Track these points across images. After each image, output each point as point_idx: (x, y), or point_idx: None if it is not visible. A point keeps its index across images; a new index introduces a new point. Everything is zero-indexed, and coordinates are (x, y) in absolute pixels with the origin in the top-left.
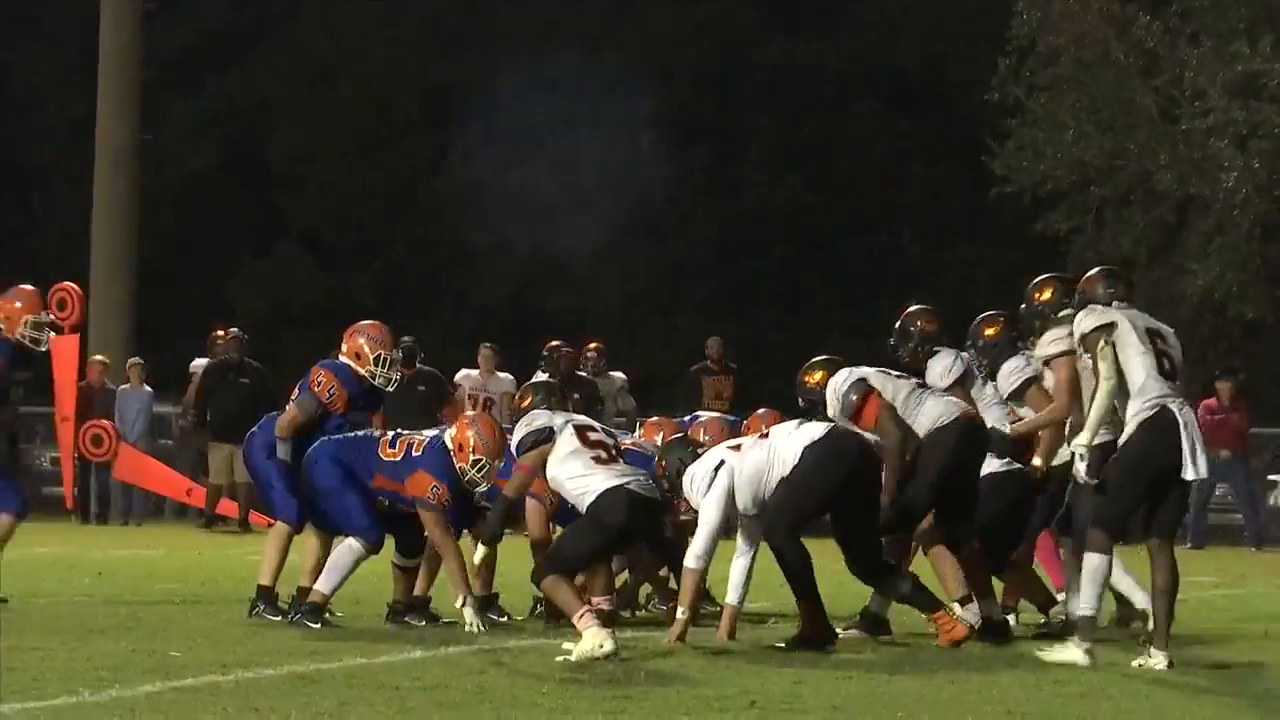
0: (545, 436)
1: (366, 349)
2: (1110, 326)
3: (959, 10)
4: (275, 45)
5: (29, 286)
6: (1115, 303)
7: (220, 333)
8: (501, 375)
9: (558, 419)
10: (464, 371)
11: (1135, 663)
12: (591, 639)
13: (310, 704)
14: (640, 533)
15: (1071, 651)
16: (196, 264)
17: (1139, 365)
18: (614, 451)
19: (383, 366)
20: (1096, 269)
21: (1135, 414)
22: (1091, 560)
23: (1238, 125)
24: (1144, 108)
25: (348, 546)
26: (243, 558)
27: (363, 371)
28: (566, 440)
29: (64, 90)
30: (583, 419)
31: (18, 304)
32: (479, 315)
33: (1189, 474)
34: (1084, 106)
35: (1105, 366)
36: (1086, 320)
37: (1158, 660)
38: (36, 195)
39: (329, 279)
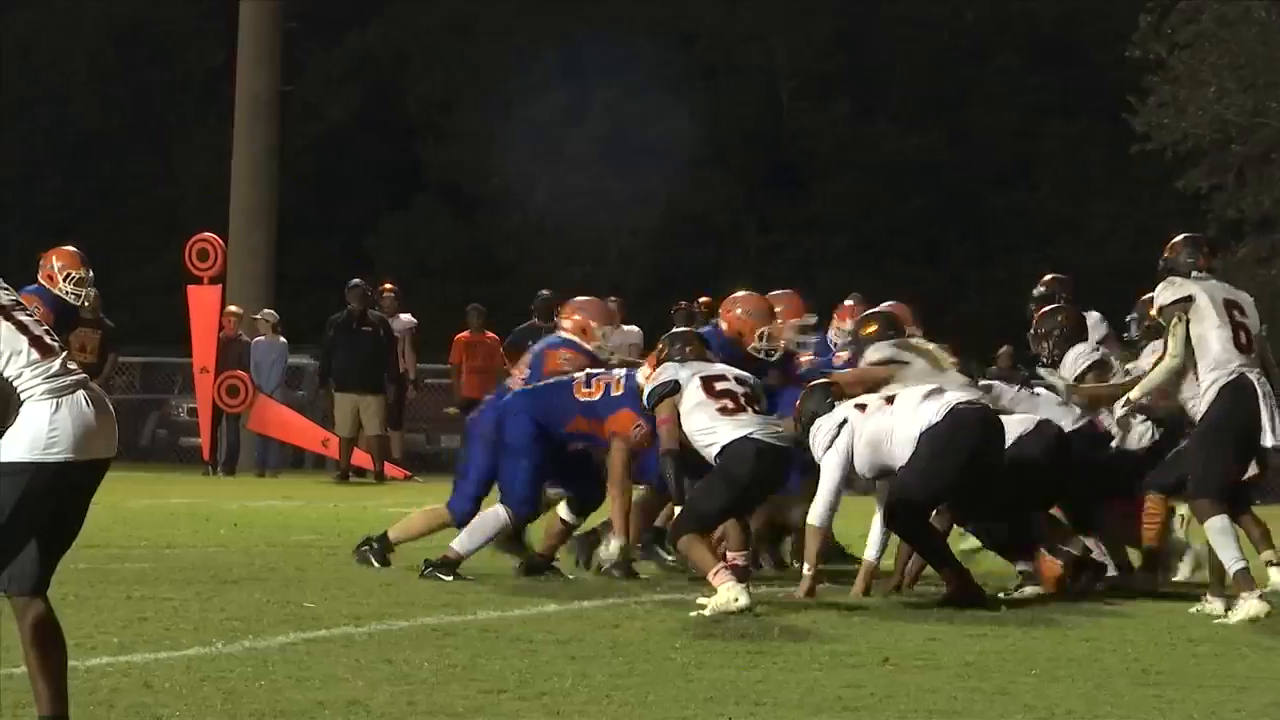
0: (671, 389)
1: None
2: (1188, 300)
3: None
4: None
5: (70, 247)
6: (1195, 273)
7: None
8: (628, 328)
9: (684, 371)
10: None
11: (1193, 609)
12: (726, 594)
13: (443, 656)
14: (769, 483)
15: (1249, 605)
16: (336, 216)
17: (1215, 338)
18: (744, 400)
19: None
20: (1181, 236)
21: (1214, 382)
22: (1212, 526)
23: None
24: None
25: (495, 513)
26: (378, 510)
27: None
28: (692, 392)
29: (202, 41)
30: (713, 368)
31: (57, 263)
32: (618, 267)
33: (1268, 440)
34: (1226, 64)
35: (1174, 344)
36: (1165, 293)
37: (1214, 606)
38: (175, 146)
39: (468, 231)
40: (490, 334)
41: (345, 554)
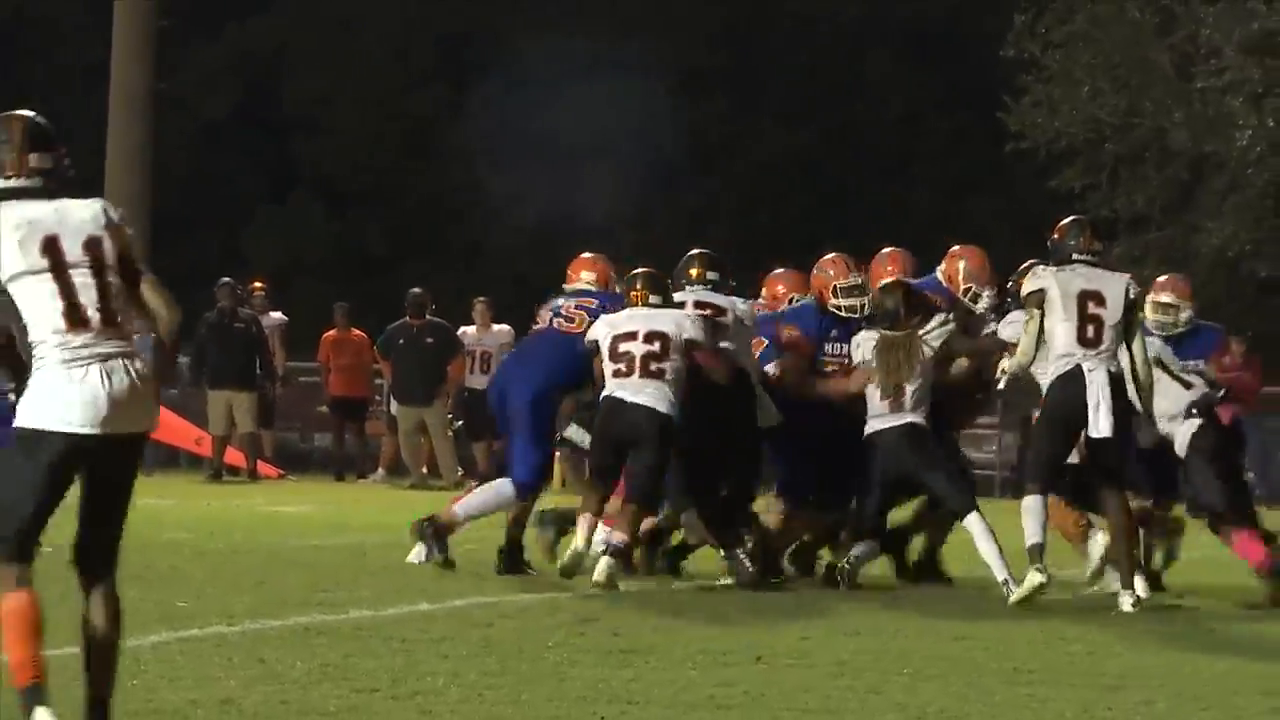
0: (594, 349)
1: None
2: (1041, 293)
3: None
4: None
5: None
6: (1076, 255)
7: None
8: (498, 328)
9: (603, 329)
10: (462, 329)
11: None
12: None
13: (316, 655)
14: (624, 443)
15: (1030, 578)
16: (211, 212)
17: (1060, 331)
18: (643, 361)
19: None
20: (1068, 220)
21: (1051, 373)
22: (1024, 503)
23: (1253, 83)
24: (1159, 65)
25: (497, 489)
26: (252, 508)
27: None
28: (604, 353)
29: (80, 36)
30: (628, 325)
31: None
32: (495, 263)
33: (1094, 430)
34: (1099, 63)
35: (1025, 339)
36: (1026, 284)
37: (1125, 600)
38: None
39: (343, 227)
40: (357, 331)
41: (218, 553)
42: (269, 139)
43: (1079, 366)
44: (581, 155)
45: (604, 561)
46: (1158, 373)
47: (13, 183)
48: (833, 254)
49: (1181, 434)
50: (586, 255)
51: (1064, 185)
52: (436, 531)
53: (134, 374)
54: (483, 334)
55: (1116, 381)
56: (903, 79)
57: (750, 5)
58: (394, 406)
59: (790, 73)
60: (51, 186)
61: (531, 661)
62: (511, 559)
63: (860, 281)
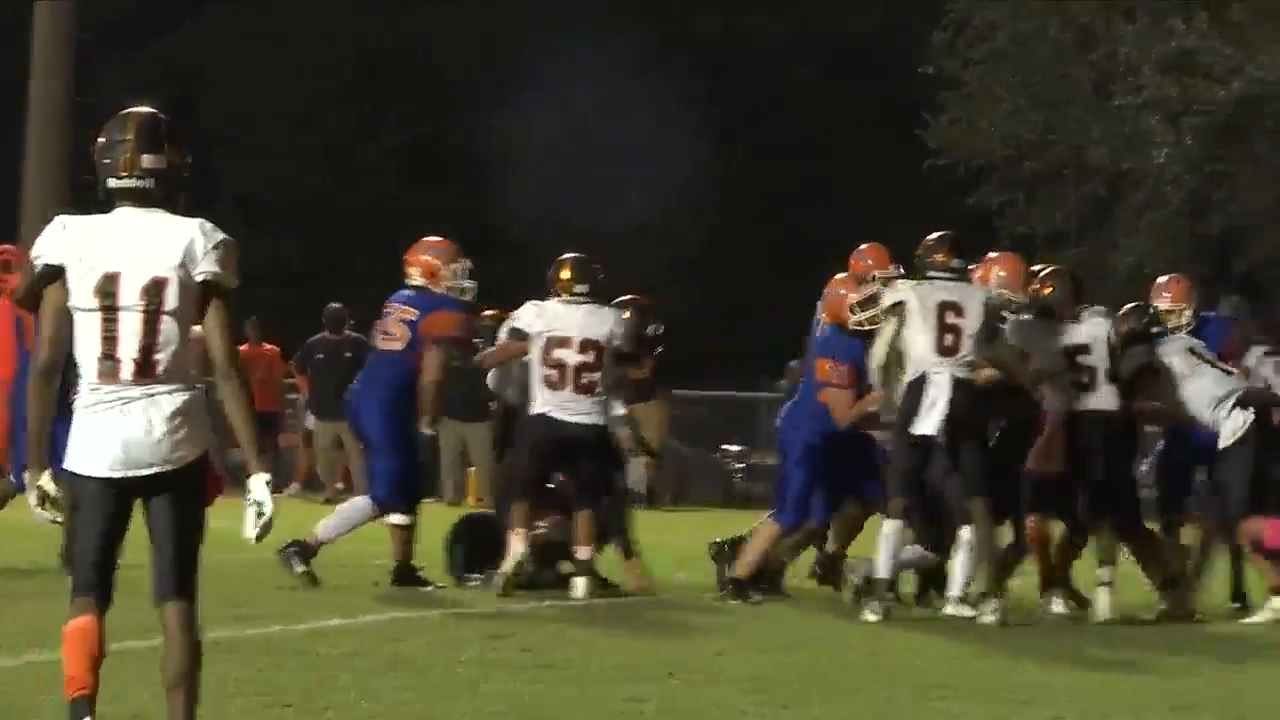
0: (519, 335)
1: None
2: (900, 305)
3: None
4: (214, 8)
5: None
6: (932, 271)
7: None
8: None
9: (539, 324)
10: None
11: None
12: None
13: (228, 669)
14: (553, 464)
15: (867, 612)
16: None
17: (919, 342)
18: (577, 372)
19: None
20: (932, 236)
21: (906, 383)
22: (884, 526)
23: (1171, 102)
24: (1078, 83)
25: (358, 506)
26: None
27: None
28: (535, 351)
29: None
30: (565, 329)
31: None
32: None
33: (918, 428)
34: (1019, 81)
35: (879, 343)
36: (885, 297)
37: (991, 611)
38: None
39: (262, 242)
40: (269, 345)
41: (130, 567)
42: (189, 153)
43: (925, 374)
44: (499, 171)
45: (581, 581)
46: (1197, 362)
47: (123, 183)
48: (840, 274)
49: (1229, 424)
50: (422, 242)
51: (982, 202)
52: (302, 550)
53: (155, 412)
54: None
55: (963, 386)
56: (824, 97)
57: (672, 24)
58: (310, 421)
59: (712, 91)
60: (159, 194)
61: (443, 676)
62: (403, 575)
63: (874, 292)
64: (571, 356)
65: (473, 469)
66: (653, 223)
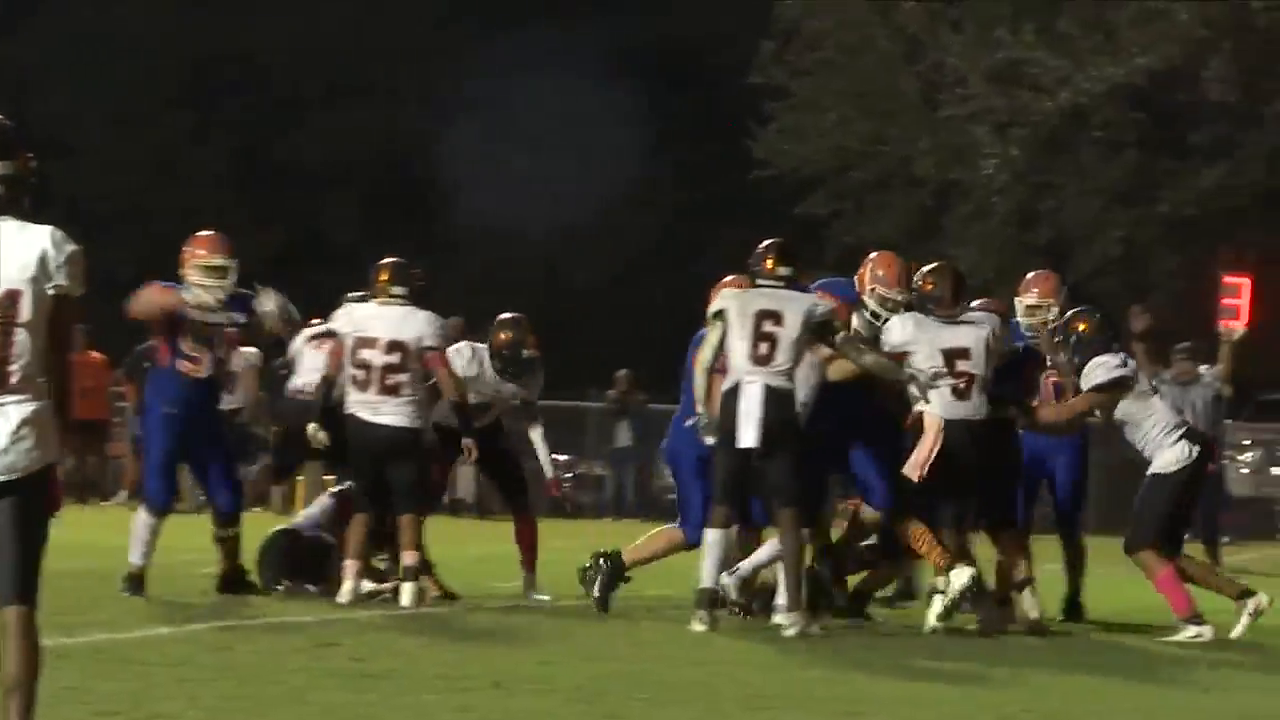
0: (331, 334)
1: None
2: (721, 314)
3: None
4: (41, 12)
5: None
6: (760, 280)
7: None
8: (244, 350)
9: (349, 323)
10: None
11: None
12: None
13: (55, 678)
14: (365, 458)
15: (694, 622)
16: None
17: (736, 350)
18: (380, 374)
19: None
20: (763, 244)
21: (722, 390)
22: (706, 536)
23: (997, 112)
24: (905, 93)
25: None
26: None
27: None
28: (347, 350)
29: None
30: (370, 330)
31: None
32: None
33: (741, 441)
34: (846, 91)
35: (705, 349)
36: (712, 303)
37: (793, 624)
38: None
39: (89, 249)
40: (95, 354)
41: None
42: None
43: (739, 382)
44: (324, 181)
45: (407, 587)
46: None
47: None
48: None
49: (1173, 453)
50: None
51: (810, 212)
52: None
53: (4, 422)
54: (234, 356)
55: (776, 395)
56: (651, 105)
57: (498, 31)
58: (138, 428)
59: (539, 98)
60: (7, 200)
61: (271, 685)
62: (229, 582)
63: (903, 298)
64: (377, 357)
65: (300, 478)
66: (466, 234)
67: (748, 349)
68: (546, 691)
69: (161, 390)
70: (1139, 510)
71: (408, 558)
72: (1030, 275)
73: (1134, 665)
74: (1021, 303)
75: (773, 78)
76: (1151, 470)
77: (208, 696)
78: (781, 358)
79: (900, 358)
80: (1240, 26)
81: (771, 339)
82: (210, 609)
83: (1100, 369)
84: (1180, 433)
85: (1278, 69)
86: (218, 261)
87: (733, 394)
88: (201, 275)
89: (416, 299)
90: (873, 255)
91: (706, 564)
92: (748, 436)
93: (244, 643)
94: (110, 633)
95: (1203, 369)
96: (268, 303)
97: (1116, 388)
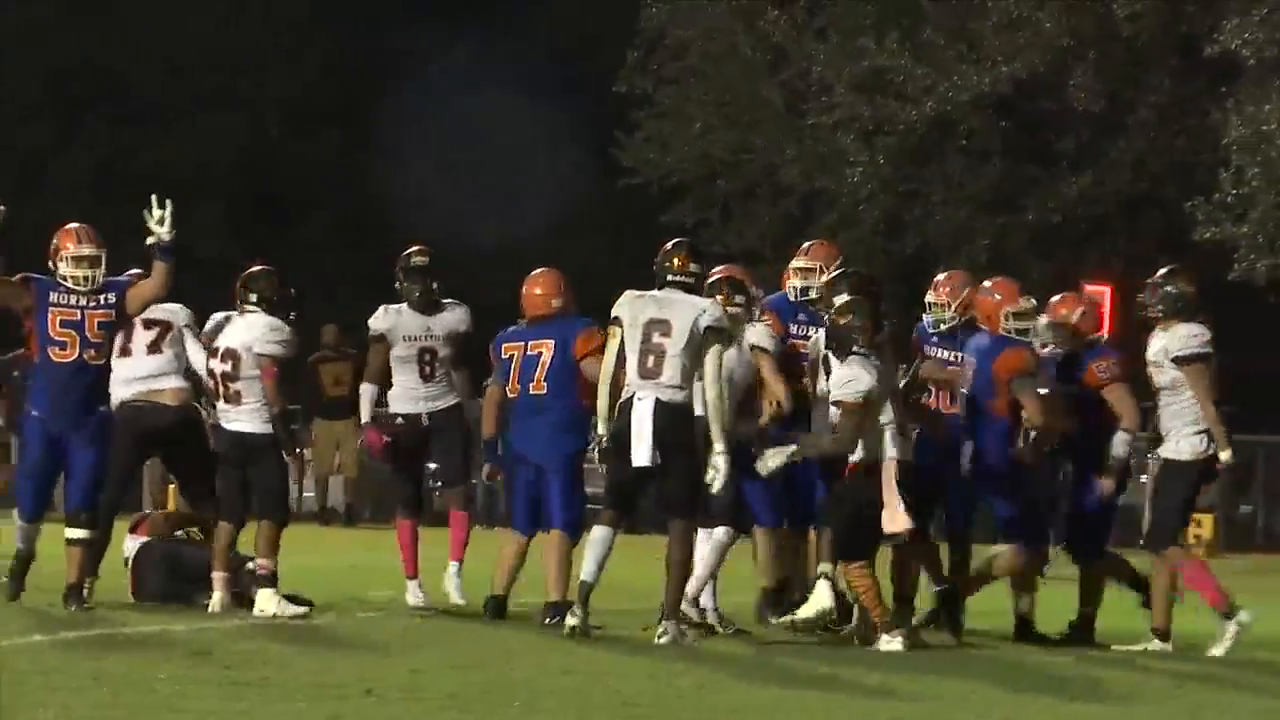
0: None
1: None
2: (617, 320)
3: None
4: None
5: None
6: (671, 276)
7: None
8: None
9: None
10: None
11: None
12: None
13: None
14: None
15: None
16: None
17: (629, 361)
18: (221, 380)
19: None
20: (675, 241)
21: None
22: (594, 531)
23: (863, 120)
24: (771, 102)
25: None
26: None
27: None
28: None
29: None
30: (223, 340)
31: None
32: None
33: (633, 459)
34: (711, 100)
35: (606, 358)
36: (614, 309)
37: (665, 632)
38: None
39: None
40: None
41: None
42: None
43: (632, 396)
44: (191, 191)
45: (263, 592)
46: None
47: None
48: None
49: (1191, 443)
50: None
51: (676, 221)
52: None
53: None
54: None
55: (668, 410)
56: (512, 115)
57: (354, 41)
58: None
59: (398, 110)
60: None
61: (143, 693)
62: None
63: (1030, 306)
64: (218, 366)
65: (173, 485)
66: (333, 242)
67: (636, 362)
68: (417, 699)
69: (36, 391)
70: (1162, 506)
71: (264, 565)
72: (940, 275)
73: (1023, 673)
74: (927, 299)
75: (638, 86)
76: (1165, 456)
77: (80, 705)
78: (668, 371)
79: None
80: (1104, 35)
81: (659, 352)
82: (85, 616)
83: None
84: (1203, 425)
85: (1141, 77)
86: (86, 251)
87: (627, 406)
88: (72, 267)
89: (269, 307)
90: (987, 283)
91: (588, 559)
92: (639, 455)
93: (116, 650)
94: None
95: None
96: None
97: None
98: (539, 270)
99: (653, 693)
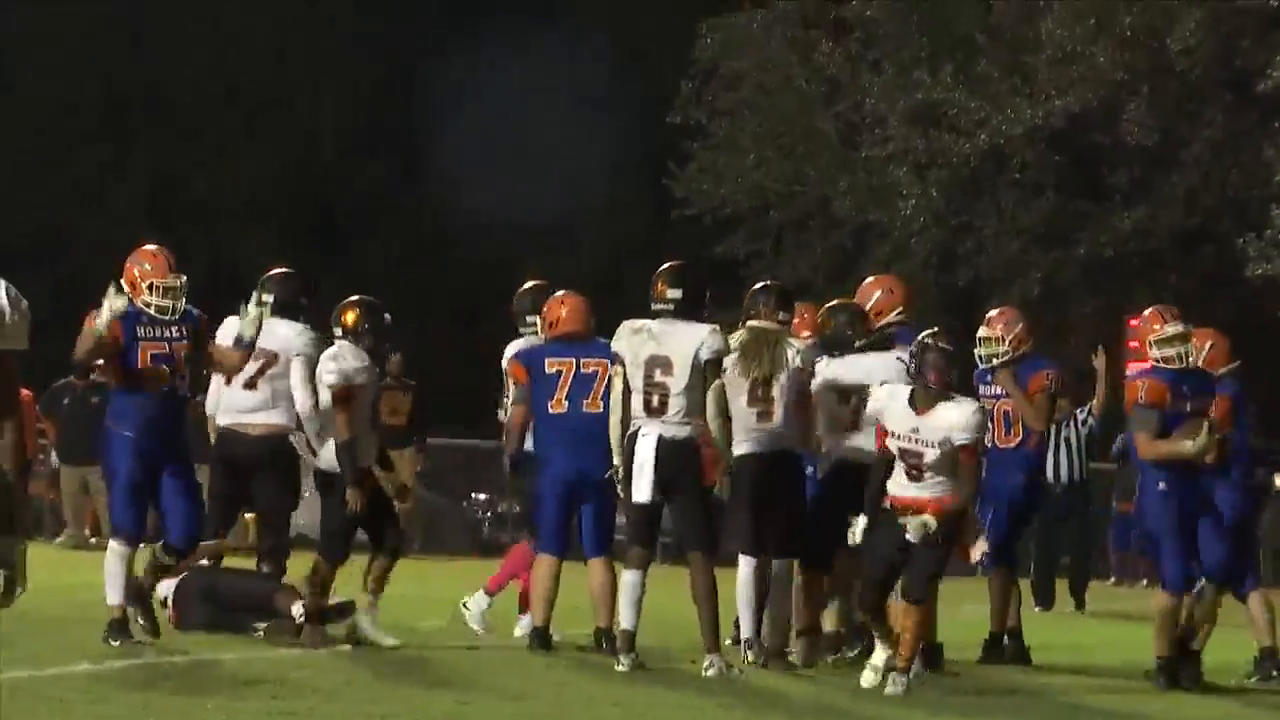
0: None
1: (137, 276)
2: (619, 359)
3: (643, 29)
4: None
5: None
6: (655, 304)
7: None
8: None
9: None
10: None
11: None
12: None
13: None
14: None
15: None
16: None
17: (633, 397)
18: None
19: (155, 295)
20: (663, 266)
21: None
22: (625, 576)
23: (916, 153)
24: (824, 134)
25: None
26: None
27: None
28: None
29: None
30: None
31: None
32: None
33: (634, 495)
34: (765, 131)
35: (612, 398)
36: (613, 343)
37: (711, 665)
38: None
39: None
40: (24, 391)
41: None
42: None
43: (637, 431)
44: (238, 216)
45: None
46: None
47: None
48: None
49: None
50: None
51: (728, 252)
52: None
53: None
54: None
55: (671, 445)
56: (565, 142)
57: (408, 70)
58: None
59: (455, 136)
60: None
61: None
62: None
63: (1177, 332)
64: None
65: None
66: (386, 269)
67: (641, 401)
68: None
69: (121, 413)
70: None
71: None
72: (993, 311)
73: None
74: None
75: (691, 117)
76: None
77: None
78: (674, 408)
79: None
80: (1158, 70)
81: (663, 390)
82: (133, 646)
83: None
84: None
85: (1195, 112)
86: (176, 281)
87: (633, 441)
88: (162, 296)
89: (288, 312)
90: (1146, 313)
91: (623, 605)
92: (640, 492)
93: (165, 680)
94: (30, 669)
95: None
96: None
97: None
98: (565, 291)
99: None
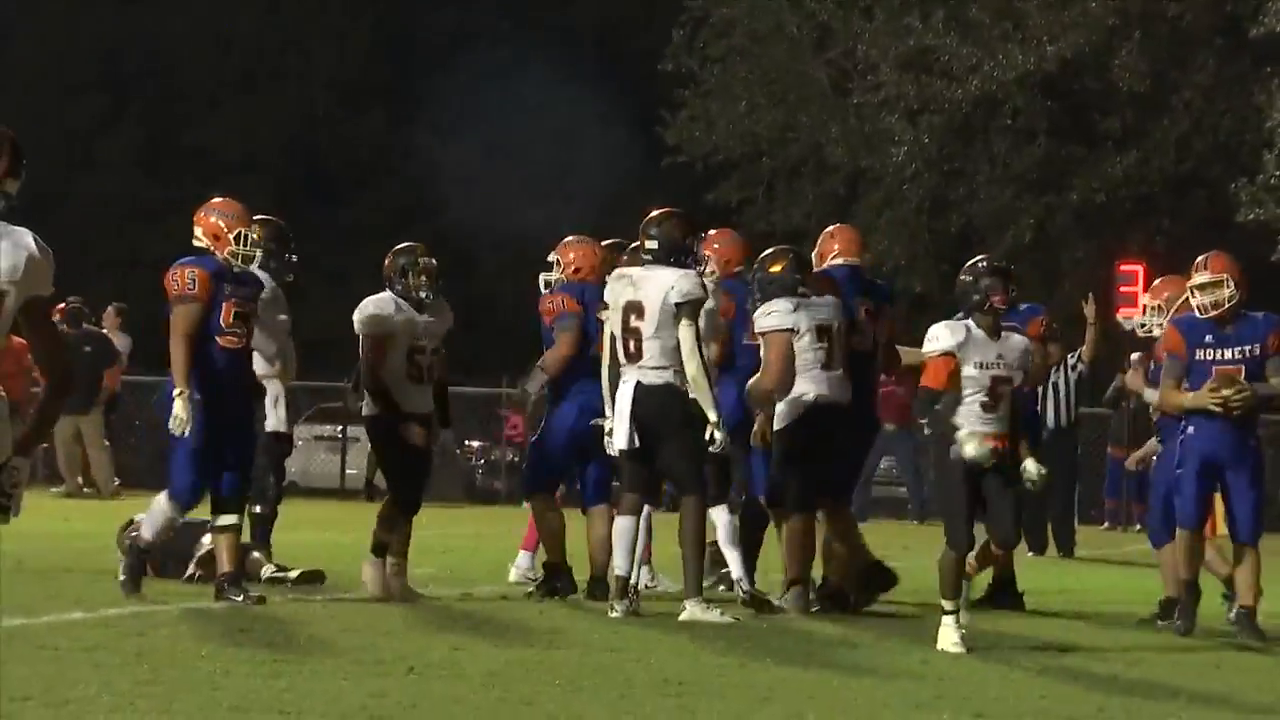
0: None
1: (223, 226)
2: (602, 303)
3: None
4: None
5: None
6: (643, 253)
7: None
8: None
9: None
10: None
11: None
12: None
13: None
14: None
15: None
16: None
17: (616, 346)
18: None
19: (243, 244)
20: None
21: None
22: (618, 523)
23: (909, 99)
24: (816, 80)
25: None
26: None
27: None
28: None
29: None
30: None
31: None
32: (154, 274)
33: (615, 441)
34: (756, 78)
35: (604, 344)
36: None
37: (685, 611)
38: None
39: None
40: (19, 339)
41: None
42: None
43: (620, 379)
44: (234, 169)
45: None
46: None
47: None
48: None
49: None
50: (210, 202)
51: (721, 199)
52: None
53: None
54: (116, 340)
55: (649, 391)
56: (560, 93)
57: (403, 20)
58: None
59: (448, 86)
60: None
61: (184, 671)
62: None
63: (1205, 280)
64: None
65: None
66: (384, 220)
67: (621, 347)
68: (459, 677)
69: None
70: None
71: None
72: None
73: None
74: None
75: (683, 65)
76: None
77: (121, 682)
78: (648, 353)
79: None
80: (1150, 15)
81: (637, 335)
82: (126, 596)
83: None
84: None
85: (1187, 58)
86: (255, 229)
87: (614, 391)
88: (248, 247)
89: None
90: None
91: (618, 551)
92: (618, 438)
93: (158, 627)
94: (24, 617)
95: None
96: None
97: None
98: (584, 237)
99: (693, 671)
